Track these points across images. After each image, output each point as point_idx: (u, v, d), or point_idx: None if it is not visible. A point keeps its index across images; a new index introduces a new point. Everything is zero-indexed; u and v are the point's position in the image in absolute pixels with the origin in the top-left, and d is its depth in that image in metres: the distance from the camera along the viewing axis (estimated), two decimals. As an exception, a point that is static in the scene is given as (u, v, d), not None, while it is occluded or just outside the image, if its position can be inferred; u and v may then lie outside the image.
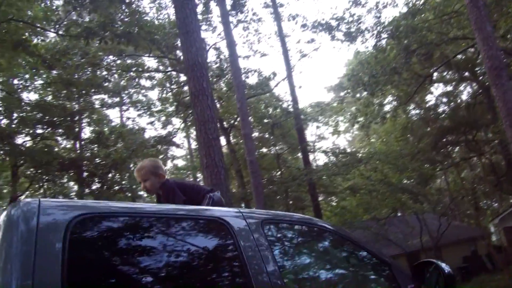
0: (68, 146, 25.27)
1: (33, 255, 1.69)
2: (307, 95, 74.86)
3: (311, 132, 33.64)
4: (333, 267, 3.11)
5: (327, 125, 31.10)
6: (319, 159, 27.29)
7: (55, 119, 21.73)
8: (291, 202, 22.46)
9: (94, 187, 23.37)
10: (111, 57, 20.69)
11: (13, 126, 21.86)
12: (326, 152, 21.15)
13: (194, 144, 30.43)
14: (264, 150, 23.77)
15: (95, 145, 24.08)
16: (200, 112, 8.96)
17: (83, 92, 21.40)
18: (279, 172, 21.90)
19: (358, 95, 20.77)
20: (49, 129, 22.44)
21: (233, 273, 2.37)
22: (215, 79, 21.28)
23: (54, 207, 1.96)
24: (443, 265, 2.84)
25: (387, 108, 22.02)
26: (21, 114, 21.23)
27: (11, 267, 1.64)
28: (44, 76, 19.06)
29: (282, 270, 2.52)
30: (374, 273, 3.16)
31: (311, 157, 26.20)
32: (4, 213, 1.82)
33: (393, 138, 23.36)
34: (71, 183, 25.73)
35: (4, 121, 21.13)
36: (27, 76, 20.61)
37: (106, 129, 25.55)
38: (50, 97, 22.71)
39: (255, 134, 23.08)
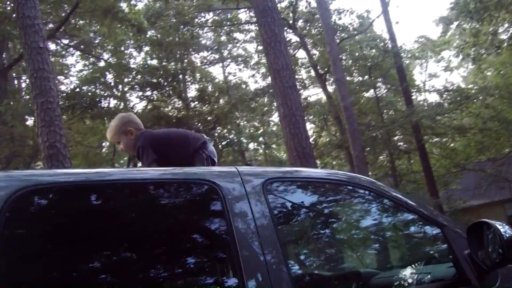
0: (177, 105, 26.33)
1: None
2: (410, 32, 69.39)
3: (418, 71, 31.35)
4: (365, 236, 2.62)
5: (437, 61, 28.92)
6: (425, 99, 25.37)
7: (160, 80, 22.72)
8: (396, 145, 21.33)
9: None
10: (202, 14, 20.84)
11: (125, 90, 23.52)
12: (429, 91, 19.74)
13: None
14: (365, 94, 22.72)
15: (200, 103, 24.89)
16: (274, 59, 8.62)
17: (182, 52, 21.94)
18: (380, 116, 20.82)
19: (467, 25, 18.77)
20: (155, 91, 23.52)
21: (218, 248, 2.03)
22: (308, 25, 20.59)
23: None
24: (502, 227, 2.24)
25: (502, 36, 19.62)
26: (129, 79, 22.58)
27: None
28: (140, 40, 19.76)
29: (285, 244, 2.12)
30: (424, 239, 2.61)
31: (420, 97, 24.67)
32: None
33: (511, 69, 20.95)
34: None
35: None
36: (131, 42, 21.66)
37: (209, 86, 26.25)
38: (154, 61, 23.70)
39: (354, 77, 22.14)
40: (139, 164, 3.18)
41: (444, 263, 2.44)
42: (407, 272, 2.40)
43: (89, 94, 17.17)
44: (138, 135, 3.16)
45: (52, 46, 20.16)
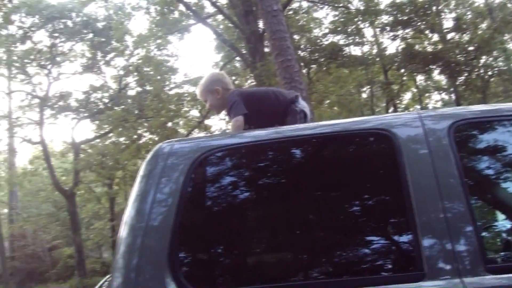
0: (432, 40, 24.84)
1: (159, 182, 1.97)
2: None
3: None
4: None
5: None
6: None
7: (411, 16, 21.75)
8: None
9: (462, 77, 22.44)
10: None
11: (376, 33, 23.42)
12: None
13: None
14: None
15: (457, 33, 23.03)
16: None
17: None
18: None
19: None
20: (406, 29, 22.64)
21: (391, 203, 1.92)
22: None
23: (184, 146, 2.17)
24: None
25: None
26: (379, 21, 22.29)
27: (151, 182, 1.98)
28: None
29: (477, 198, 1.91)
30: None
31: None
32: (154, 149, 2.16)
33: None
34: (441, 76, 25.40)
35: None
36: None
37: (467, 12, 23.99)
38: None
39: None
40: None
41: None
42: None
43: (334, 43, 17.51)
44: (229, 94, 3.08)
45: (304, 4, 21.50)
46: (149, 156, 2.10)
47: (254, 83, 15.63)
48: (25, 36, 24.03)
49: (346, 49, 19.78)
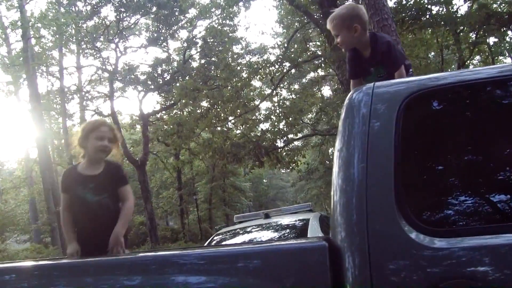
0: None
1: (367, 135, 1.89)
2: None
3: None
4: None
5: None
6: None
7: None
8: None
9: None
10: None
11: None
12: None
13: None
14: None
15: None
16: None
17: None
18: None
19: None
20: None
21: None
22: None
23: (387, 91, 2.11)
24: None
25: None
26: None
27: (353, 144, 1.91)
28: None
29: None
30: None
31: None
32: (348, 95, 2.07)
33: None
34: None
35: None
36: None
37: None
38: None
39: None
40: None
41: None
42: None
43: (420, 2, 16.62)
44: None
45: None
46: (342, 113, 2.02)
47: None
48: (93, 11, 24.70)
49: (430, 8, 18.56)
